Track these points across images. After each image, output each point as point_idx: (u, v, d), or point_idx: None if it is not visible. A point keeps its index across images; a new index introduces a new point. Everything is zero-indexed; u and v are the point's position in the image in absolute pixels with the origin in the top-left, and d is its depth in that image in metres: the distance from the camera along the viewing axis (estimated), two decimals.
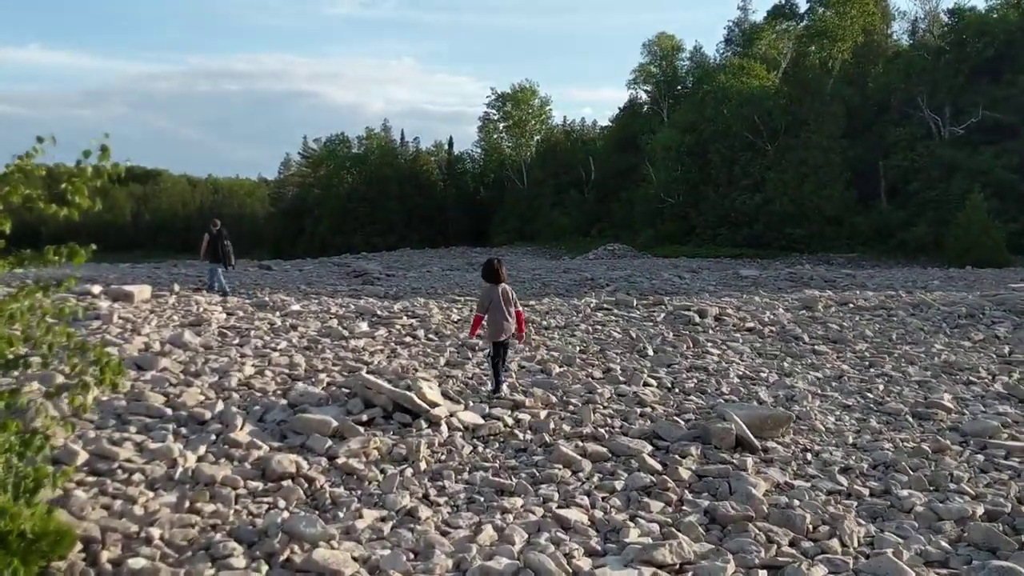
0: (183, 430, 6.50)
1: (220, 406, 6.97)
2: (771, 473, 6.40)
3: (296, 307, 13.17)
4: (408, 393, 7.16)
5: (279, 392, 7.78)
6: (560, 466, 6.26)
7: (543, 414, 7.53)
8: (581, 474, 6.19)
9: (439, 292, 21.71)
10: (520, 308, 8.58)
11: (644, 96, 70.83)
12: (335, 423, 6.64)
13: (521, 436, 6.95)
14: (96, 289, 13.08)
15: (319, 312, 13.00)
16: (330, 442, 6.38)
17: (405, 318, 12.52)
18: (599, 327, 12.68)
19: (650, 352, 10.73)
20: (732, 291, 23.26)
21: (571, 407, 7.85)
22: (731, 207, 46.39)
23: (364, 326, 11.76)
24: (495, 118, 77.86)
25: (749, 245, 45.04)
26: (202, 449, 6.10)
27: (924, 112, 45.50)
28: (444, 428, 6.95)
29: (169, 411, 6.84)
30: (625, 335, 11.93)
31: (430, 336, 11.39)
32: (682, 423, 7.49)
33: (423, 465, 6.15)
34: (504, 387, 8.22)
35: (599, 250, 47.96)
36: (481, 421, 7.21)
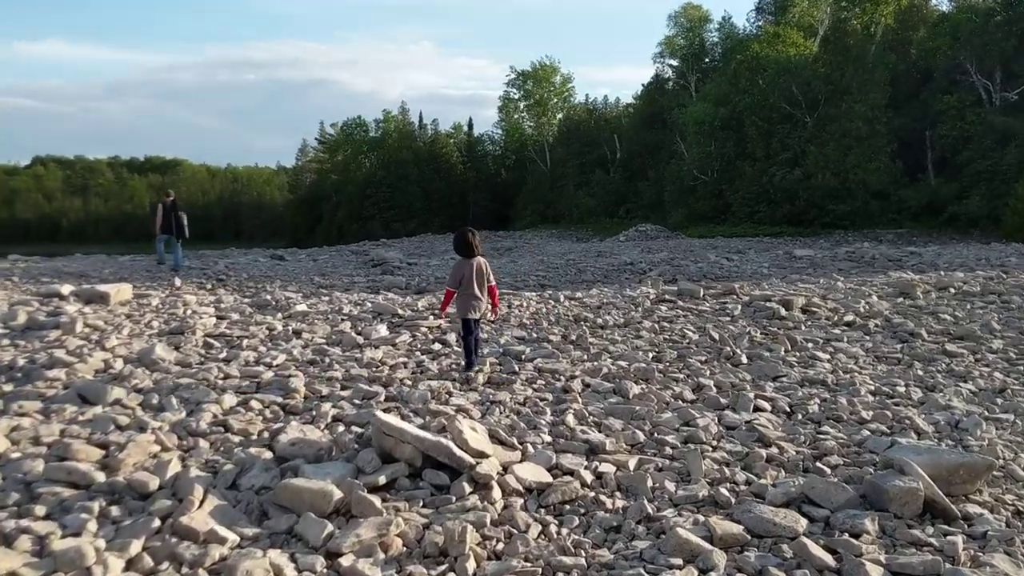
0: (114, 510, 4.37)
1: (175, 466, 4.82)
2: (996, 561, 4.20)
3: (302, 307, 11.02)
4: (443, 441, 5.00)
5: (266, 435, 5.65)
6: (680, 560, 4.09)
7: (632, 462, 5.34)
8: (714, 574, 4.02)
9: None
10: (495, 283, 7.94)
11: (670, 71, 68.29)
12: (338, 494, 4.49)
13: (609, 503, 4.78)
14: (65, 290, 11.00)
15: (329, 313, 10.87)
16: (330, 527, 4.23)
17: (432, 318, 10.35)
18: (667, 324, 10.46)
19: (743, 359, 8.50)
20: (789, 273, 21.03)
21: (667, 448, 5.67)
22: (769, 183, 43.84)
23: (383, 330, 9.61)
24: (515, 97, 75.49)
25: (789, 223, 42.58)
26: (135, 546, 3.97)
27: (973, 78, 42.75)
28: (497, 492, 4.79)
29: (101, 476, 4.71)
30: (703, 335, 9.71)
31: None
32: (829, 472, 5.31)
33: (472, 566, 4.00)
34: (475, 369, 7.62)
35: (630, 231, 45.63)
36: (548, 478, 5.04)
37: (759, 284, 16.45)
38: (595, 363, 8.21)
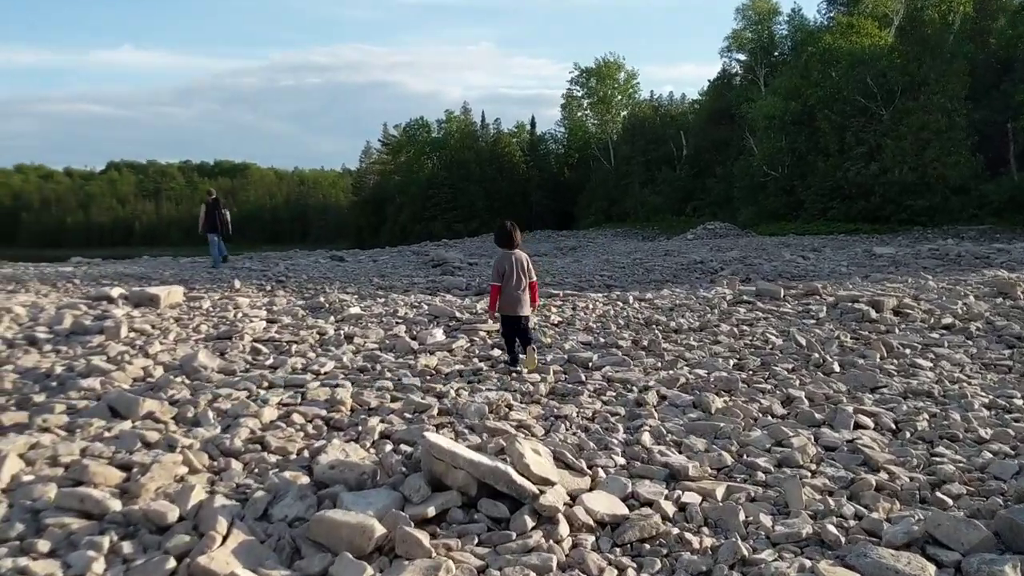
0: (126, 546, 3.82)
1: (199, 494, 4.26)
2: None
3: (356, 310, 10.49)
4: (502, 467, 4.35)
5: (306, 454, 5.08)
6: None
7: (720, 491, 4.62)
8: None
9: None
10: (535, 279, 7.65)
11: (738, 66, 66.84)
12: (380, 529, 3.87)
13: (696, 541, 4.07)
14: (115, 293, 10.66)
15: (384, 316, 10.32)
16: (369, 571, 3.61)
17: (491, 322, 9.71)
18: (747, 328, 9.65)
19: (835, 367, 7.67)
20: (871, 272, 19.92)
21: (759, 473, 4.93)
22: (843, 178, 42.25)
23: (439, 334, 9.02)
24: (579, 95, 74.64)
25: (865, 219, 40.98)
26: None
27: None
28: (564, 527, 4.12)
29: (117, 504, 4.17)
30: (787, 340, 8.89)
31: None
32: (950, 503, 4.52)
33: None
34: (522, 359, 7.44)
35: (698, 229, 44.51)
36: (623, 510, 4.35)
37: (842, 284, 15.46)
38: (671, 372, 7.47)
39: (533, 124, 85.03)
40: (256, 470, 4.80)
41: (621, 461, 5.04)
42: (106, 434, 5.28)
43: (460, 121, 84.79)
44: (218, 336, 8.72)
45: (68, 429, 5.41)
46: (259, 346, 8.26)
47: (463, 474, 4.31)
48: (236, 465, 4.84)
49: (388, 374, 7.20)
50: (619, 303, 11.59)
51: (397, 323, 9.77)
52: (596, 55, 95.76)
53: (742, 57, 65.13)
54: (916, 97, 41.80)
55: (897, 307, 10.60)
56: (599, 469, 4.86)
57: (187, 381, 6.77)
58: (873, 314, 10.10)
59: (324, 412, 5.91)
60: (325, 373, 7.25)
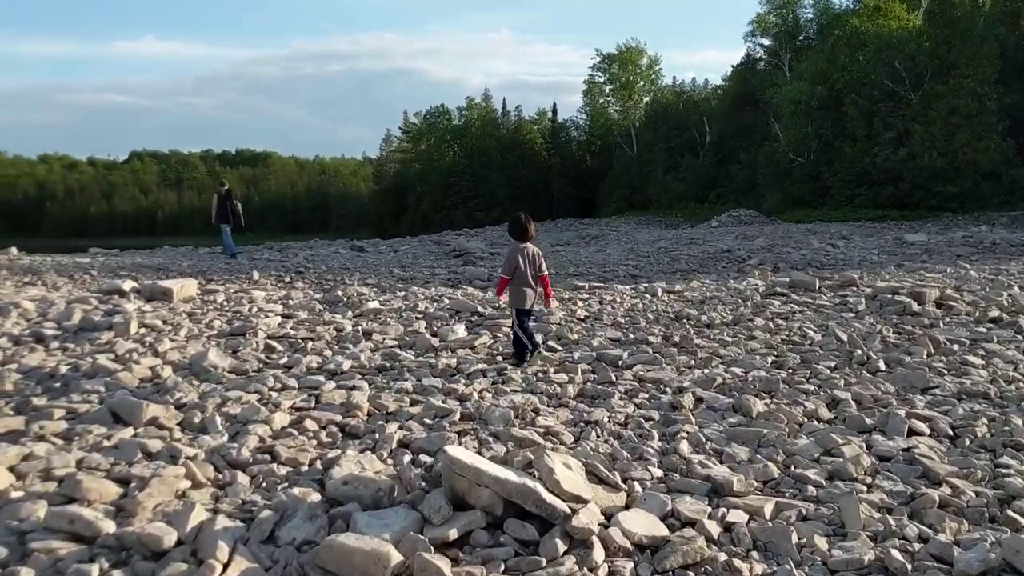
0: (116, 574, 3.48)
1: (200, 514, 3.90)
2: None
3: (374, 304, 10.12)
4: (530, 484, 3.96)
5: (318, 464, 4.73)
6: None
7: (768, 508, 4.22)
8: None
9: (552, 274, 18.49)
10: (547, 272, 7.56)
11: (761, 51, 65.88)
12: (396, 556, 3.51)
13: (746, 568, 3.66)
14: (127, 286, 10.35)
15: (403, 310, 9.95)
16: None
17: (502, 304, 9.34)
18: (782, 322, 9.21)
19: (881, 365, 7.23)
20: (903, 260, 19.39)
21: (809, 487, 4.52)
22: (871, 164, 41.38)
23: (461, 330, 8.64)
24: (600, 81, 73.91)
25: (893, 206, 40.12)
26: None
27: None
28: (599, 552, 3.73)
29: (111, 525, 3.83)
30: (827, 335, 8.44)
31: (551, 344, 8.18)
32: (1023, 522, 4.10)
33: None
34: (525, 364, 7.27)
35: (722, 217, 43.84)
36: (663, 530, 3.95)
37: (877, 273, 14.94)
38: (705, 371, 7.06)
39: (555, 111, 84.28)
40: (264, 484, 4.46)
41: (658, 473, 4.65)
42: (105, 443, 4.95)
43: (481, 108, 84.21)
44: (231, 332, 8.40)
45: (66, 437, 5.08)
46: (273, 343, 7.93)
47: (488, 492, 3.94)
48: (243, 479, 4.49)
49: (408, 374, 6.84)
50: (648, 296, 11.17)
51: (417, 318, 9.41)
52: (618, 41, 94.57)
53: (766, 42, 64.18)
54: (945, 81, 40.85)
55: (940, 299, 10.11)
56: (635, 483, 4.47)
57: (195, 382, 6.44)
58: (915, 307, 9.62)
59: (339, 417, 5.56)
60: (342, 373, 6.90)
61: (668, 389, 6.46)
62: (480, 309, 9.69)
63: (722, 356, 7.68)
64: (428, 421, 5.53)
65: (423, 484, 4.26)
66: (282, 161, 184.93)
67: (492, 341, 8.32)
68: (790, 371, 7.18)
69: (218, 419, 5.41)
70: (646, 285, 12.44)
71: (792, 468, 4.77)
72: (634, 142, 70.63)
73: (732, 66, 69.78)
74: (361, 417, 5.62)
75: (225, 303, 10.29)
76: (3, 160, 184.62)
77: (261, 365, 7.20)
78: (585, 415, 5.70)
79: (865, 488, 4.54)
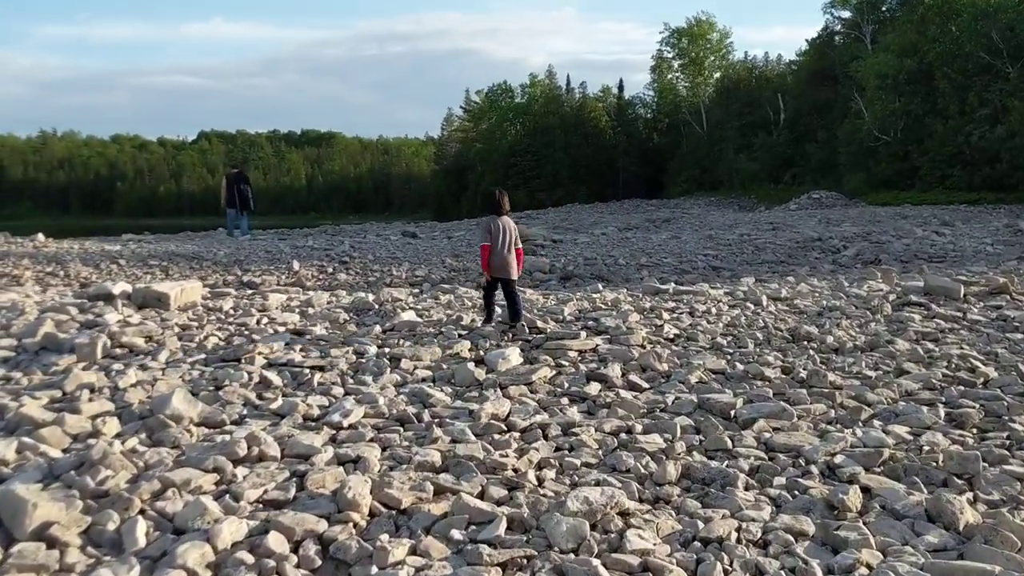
0: None
1: None
2: None
3: (409, 316, 8.17)
4: None
5: None
6: None
7: None
8: None
9: (624, 268, 16.38)
10: (521, 247, 7.97)
11: (839, 24, 62.38)
12: None
13: None
14: (117, 289, 8.58)
15: (445, 323, 8.00)
16: None
17: (583, 334, 7.33)
18: (931, 345, 7.03)
19: None
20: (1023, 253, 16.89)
21: None
22: (965, 143, 38.20)
23: (514, 357, 6.65)
24: (669, 56, 71.05)
25: (988, 188, 36.98)
26: None
27: None
28: None
29: None
30: (1001, 367, 6.27)
31: (632, 379, 6.17)
32: None
33: None
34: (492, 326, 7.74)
35: (801, 199, 41.07)
36: None
37: (1015, 271, 12.54)
38: (857, 431, 4.97)
39: (620, 88, 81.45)
40: None
41: None
42: None
43: (544, 86, 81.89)
44: (222, 358, 6.56)
45: None
46: (271, 376, 6.06)
47: None
48: None
49: (437, 432, 4.90)
50: (750, 305, 9.02)
51: (460, 335, 7.46)
52: (685, 17, 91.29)
53: (846, 14, 60.70)
54: None
55: None
56: None
57: (140, 447, 4.60)
58: None
59: (321, 527, 3.64)
60: (348, 427, 5.00)
61: (813, 467, 4.41)
62: (540, 323, 7.69)
63: (871, 404, 5.57)
64: (458, 535, 3.58)
65: None
66: (346, 141, 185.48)
67: (554, 373, 6.34)
68: (975, 431, 5.06)
69: (139, 530, 3.54)
70: (744, 290, 10.28)
71: None
72: (704, 119, 67.81)
73: (806, 40, 66.48)
74: (357, 524, 3.70)
75: (232, 312, 8.48)
76: (77, 140, 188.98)
77: (245, 411, 5.35)
78: (699, 527, 3.69)
79: None
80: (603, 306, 8.74)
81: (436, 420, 5.18)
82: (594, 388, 5.90)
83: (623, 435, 4.94)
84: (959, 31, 40.76)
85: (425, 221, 44.97)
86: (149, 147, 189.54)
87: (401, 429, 5.06)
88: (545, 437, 4.94)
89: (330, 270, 16.12)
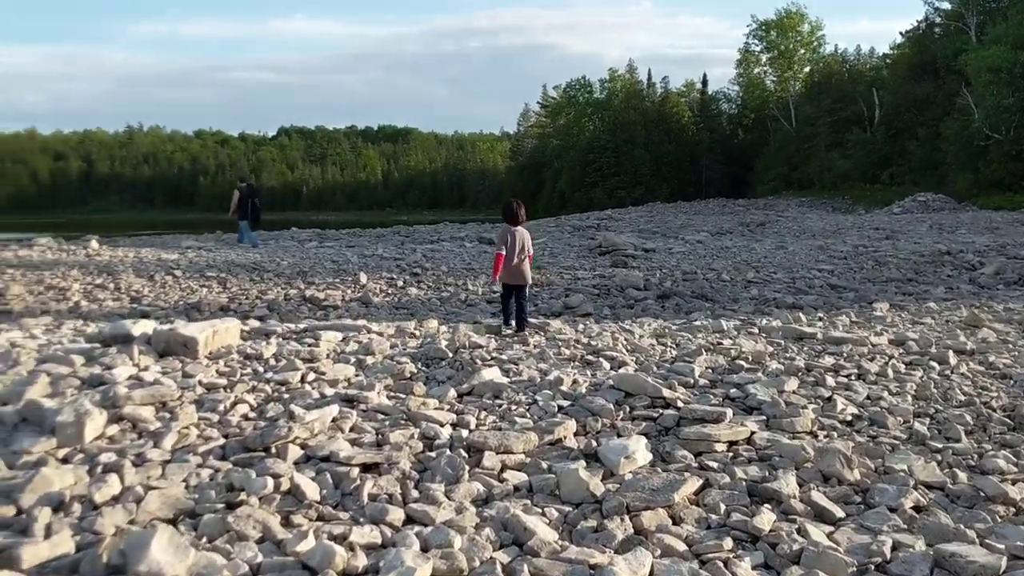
0: None
1: None
2: None
3: (492, 374, 6.36)
4: None
5: None
6: None
7: None
8: None
9: (729, 285, 14.34)
10: (532, 252, 8.74)
11: (939, 16, 58.86)
12: None
13: None
14: (137, 331, 6.99)
15: (538, 386, 6.19)
16: None
17: (728, 413, 5.43)
18: None
19: None
20: None
21: None
22: None
23: (641, 452, 4.76)
24: (756, 50, 68.22)
25: None
26: None
27: None
28: None
29: None
30: None
31: (816, 499, 4.29)
32: None
33: None
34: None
35: (905, 202, 38.23)
36: None
37: None
38: None
39: (704, 82, 78.75)
40: None
41: None
42: None
43: (625, 80, 79.63)
44: (246, 446, 4.88)
45: None
46: (304, 484, 4.33)
47: None
48: None
49: None
50: (934, 364, 6.97)
51: (561, 407, 5.64)
52: (776, 6, 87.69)
53: (947, 5, 57.13)
54: None
55: None
56: None
57: None
58: None
59: None
60: None
61: None
62: (666, 393, 5.82)
63: None
64: None
65: None
66: (422, 137, 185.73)
67: (700, 483, 4.49)
68: None
69: None
70: (914, 338, 8.18)
71: None
72: (792, 115, 64.82)
73: (900, 33, 63.03)
74: None
75: (273, 362, 6.82)
76: (161, 136, 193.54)
77: (259, 556, 3.64)
78: None
79: None
80: (744, 362, 6.80)
81: None
82: (765, 520, 4.03)
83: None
84: None
85: (500, 221, 43.38)
86: (231, 142, 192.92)
87: None
88: None
89: (400, 283, 14.58)
